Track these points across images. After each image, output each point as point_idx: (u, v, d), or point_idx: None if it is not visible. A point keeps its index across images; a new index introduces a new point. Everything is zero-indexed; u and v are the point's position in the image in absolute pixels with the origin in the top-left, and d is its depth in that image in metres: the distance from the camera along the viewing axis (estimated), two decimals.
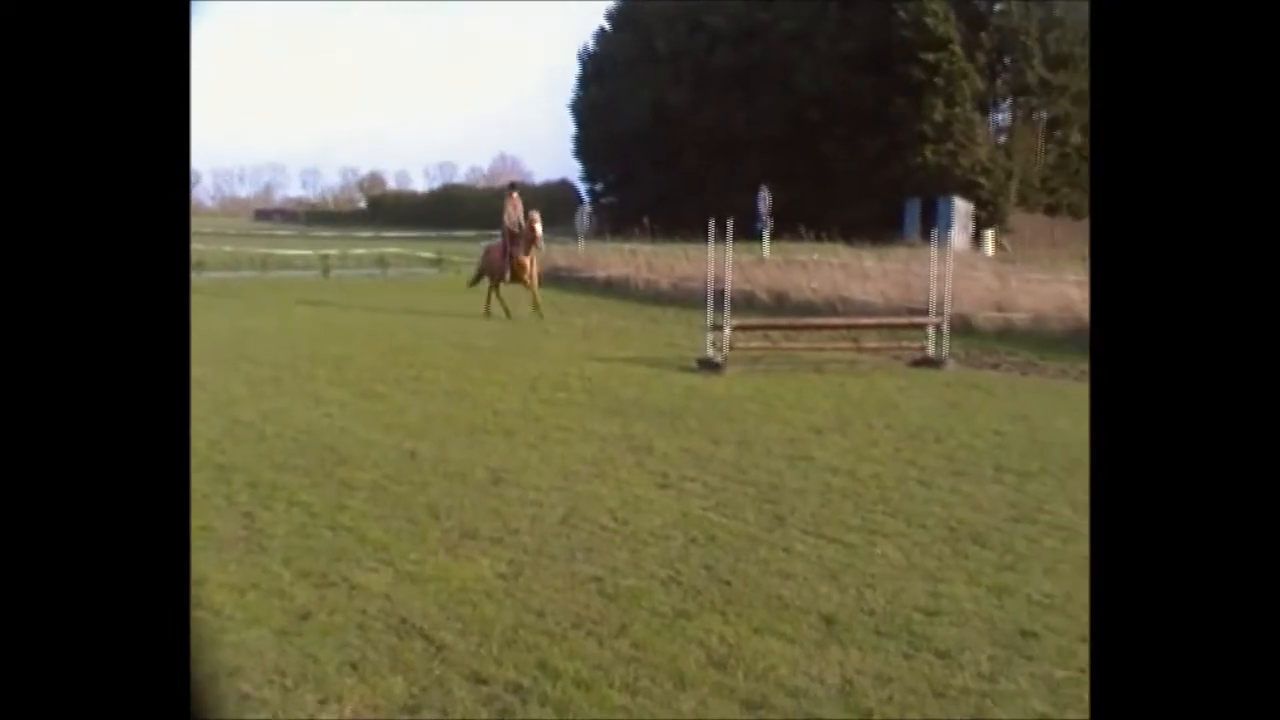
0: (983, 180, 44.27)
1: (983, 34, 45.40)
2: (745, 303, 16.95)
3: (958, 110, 45.01)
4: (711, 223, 12.85)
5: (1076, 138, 46.69)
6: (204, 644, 3.86)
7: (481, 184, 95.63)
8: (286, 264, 29.92)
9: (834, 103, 45.42)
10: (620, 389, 10.37)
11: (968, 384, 11.18)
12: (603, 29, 61.67)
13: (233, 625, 4.28)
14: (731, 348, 12.13)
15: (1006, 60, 47.29)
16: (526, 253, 17.47)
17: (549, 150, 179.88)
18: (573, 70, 62.77)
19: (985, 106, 48.31)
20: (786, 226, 28.21)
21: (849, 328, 13.98)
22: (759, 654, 4.06)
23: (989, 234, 39.04)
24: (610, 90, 56.96)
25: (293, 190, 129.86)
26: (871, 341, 13.46)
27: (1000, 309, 15.58)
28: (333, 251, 31.07)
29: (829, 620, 4.42)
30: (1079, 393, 10.73)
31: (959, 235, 33.54)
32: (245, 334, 14.12)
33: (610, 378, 11.10)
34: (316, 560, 5.11)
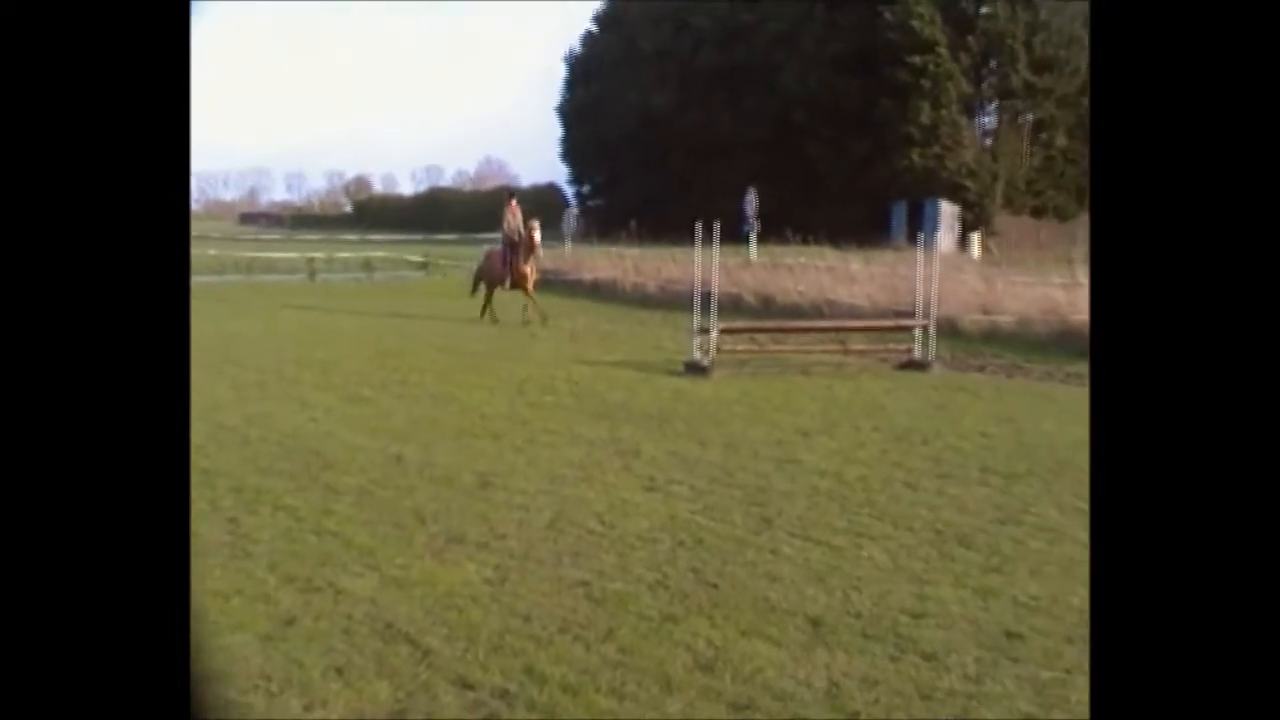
0: (969, 183, 44.40)
1: (969, 37, 45.51)
2: (732, 305, 16.97)
3: (944, 113, 45.13)
4: (698, 225, 12.86)
5: (1062, 140, 46.85)
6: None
7: (468, 187, 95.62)
8: (271, 268, 29.82)
9: (820, 105, 45.51)
10: (607, 392, 10.37)
11: (954, 386, 11.21)
12: (589, 31, 61.72)
13: (217, 631, 4.25)
14: (718, 350, 12.14)
15: (992, 63, 47.41)
16: (526, 261, 17.42)
17: (536, 153, 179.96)
18: (559, 73, 62.92)
19: (971, 109, 48.45)
20: (773, 229, 28.27)
21: (836, 330, 13.99)
22: (746, 657, 4.06)
23: (975, 236, 39.09)
24: (597, 93, 56.99)
25: (278, 194, 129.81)
26: (858, 344, 13.47)
27: (986, 311, 15.62)
28: (318, 255, 30.97)
29: (816, 623, 4.42)
30: (1065, 395, 10.77)
31: (945, 238, 33.63)
32: (230, 338, 14.07)
33: (597, 381, 11.09)
34: (302, 565, 5.09)
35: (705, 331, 12.15)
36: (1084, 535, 5.68)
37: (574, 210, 40.38)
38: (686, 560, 5.25)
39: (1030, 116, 47.68)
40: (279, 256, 31.49)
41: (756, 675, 3.90)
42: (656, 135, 51.50)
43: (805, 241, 26.92)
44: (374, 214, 79.36)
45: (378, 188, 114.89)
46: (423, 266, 30.62)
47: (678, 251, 21.47)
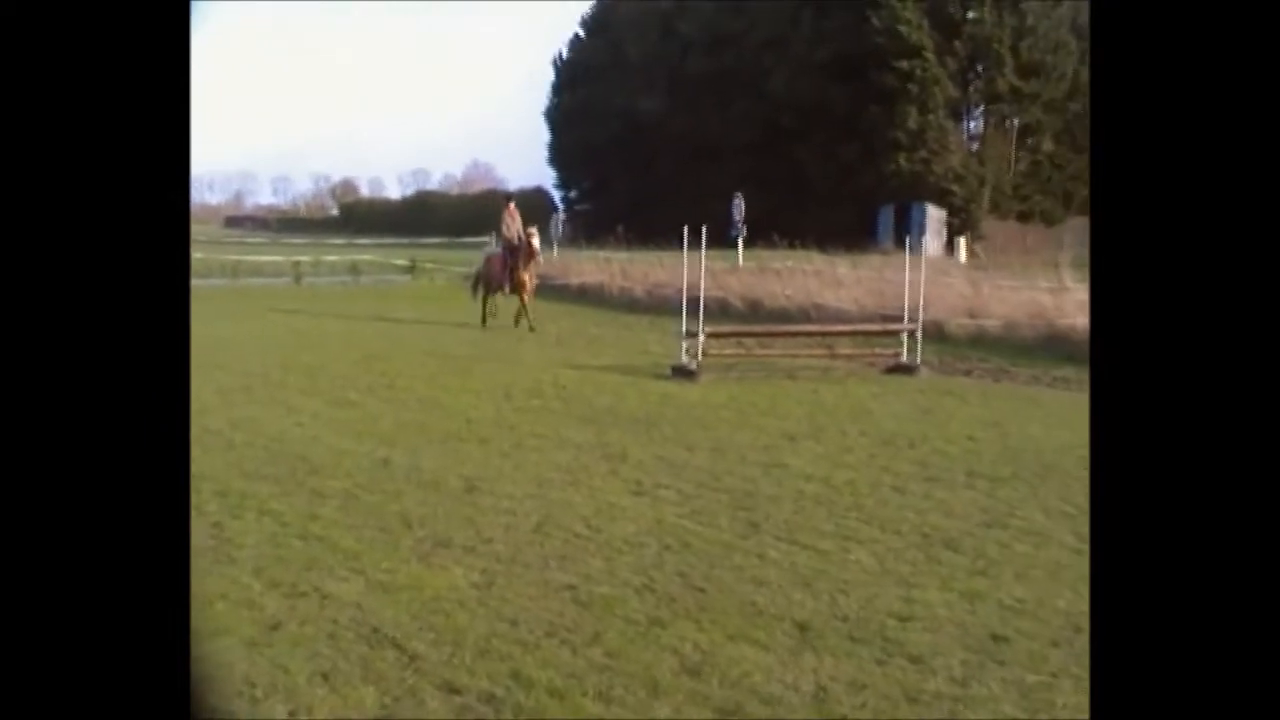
0: (956, 187, 44.53)
1: (956, 42, 45.68)
2: (720, 310, 17.00)
3: (931, 118, 45.26)
4: (686, 230, 12.86)
5: (1048, 145, 47.09)
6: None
7: (455, 191, 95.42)
8: (258, 271, 29.71)
9: (808, 110, 45.57)
10: (594, 397, 10.36)
11: (941, 390, 11.23)
12: (577, 35, 61.71)
13: (201, 636, 4.23)
14: (706, 355, 12.14)
15: (979, 68, 47.60)
16: (525, 268, 17.25)
17: (523, 158, 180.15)
18: (547, 77, 62.84)
19: (958, 114, 48.63)
20: (761, 234, 28.33)
21: (823, 334, 14.02)
22: (733, 661, 4.05)
23: (962, 241, 39.24)
24: (584, 97, 56.98)
25: (264, 197, 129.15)
26: (845, 348, 13.49)
27: (973, 315, 15.67)
28: (304, 259, 30.87)
29: (803, 627, 4.42)
30: (1051, 399, 10.81)
31: (932, 242, 33.66)
32: (215, 342, 14.00)
33: (584, 385, 11.08)
34: (287, 570, 5.07)
35: (693, 336, 12.16)
36: (1069, 539, 5.71)
37: (561, 214, 40.36)
38: (673, 564, 5.24)
39: (1017, 121, 47.93)
40: (265, 260, 31.38)
41: (744, 679, 3.90)
42: (644, 140, 51.53)
43: (792, 246, 27.00)
44: (360, 217, 79.14)
45: (364, 191, 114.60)
46: (409, 270, 30.58)
47: (665, 256, 21.47)
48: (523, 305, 17.16)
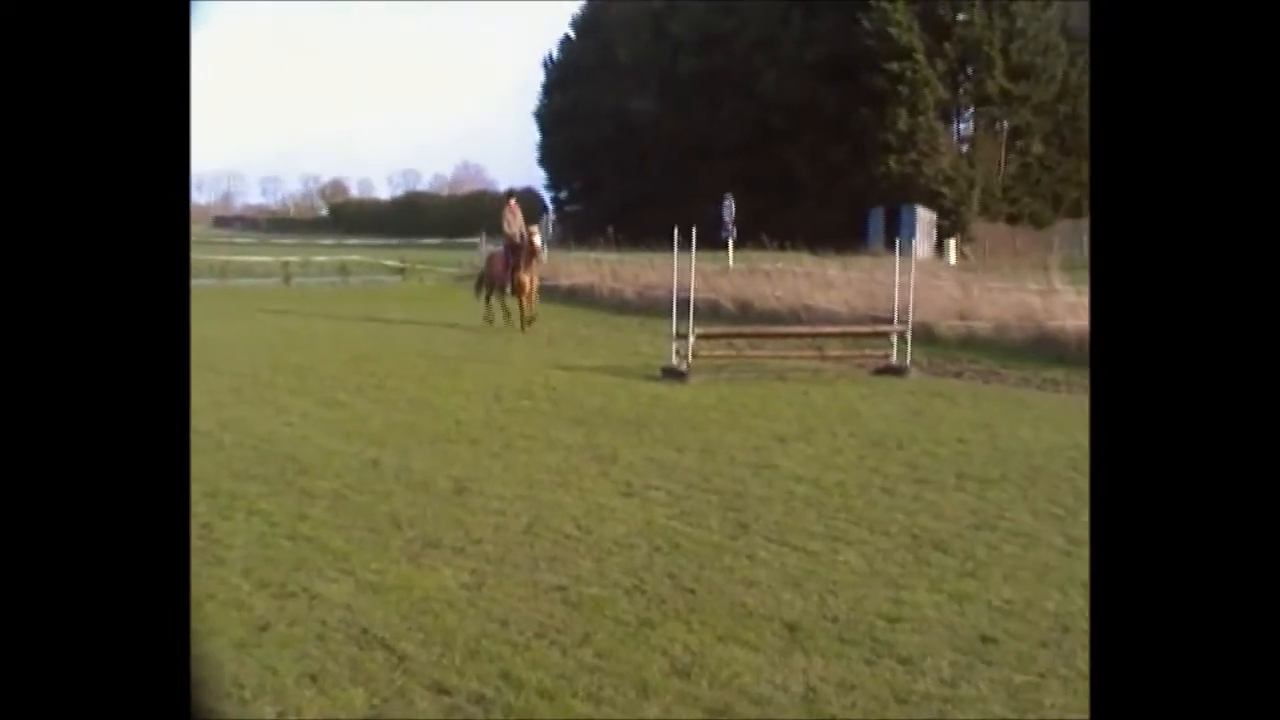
0: (945, 189, 44.57)
1: (946, 44, 45.69)
2: (710, 311, 16.97)
3: (921, 119, 45.29)
4: (676, 231, 12.86)
5: (1038, 147, 47.14)
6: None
7: (445, 192, 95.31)
8: (247, 271, 29.64)
9: (798, 111, 45.57)
10: (585, 397, 10.36)
11: (930, 392, 11.25)
12: (567, 36, 61.65)
13: (198, 637, 4.21)
14: (696, 356, 12.14)
15: (969, 70, 47.67)
16: (527, 268, 16.76)
17: (513, 158, 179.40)
18: (537, 78, 62.73)
19: (948, 116, 48.65)
20: (751, 235, 28.30)
21: (813, 336, 14.04)
22: (723, 662, 4.06)
23: (952, 243, 39.26)
24: (574, 98, 56.89)
25: (253, 198, 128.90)
26: (835, 350, 13.51)
27: (963, 317, 15.69)
28: (294, 259, 30.80)
29: (792, 628, 4.42)
30: (1040, 401, 10.85)
31: (922, 244, 33.73)
32: (204, 342, 13.93)
33: (575, 386, 11.08)
34: (276, 570, 5.06)
35: (683, 337, 12.15)
36: (1058, 540, 5.72)
37: (551, 215, 40.32)
38: (663, 565, 5.25)
39: (1006, 123, 47.96)
40: (254, 260, 31.29)
41: (733, 680, 3.90)
42: (634, 141, 51.48)
43: (783, 247, 26.98)
44: (350, 218, 79.00)
45: (354, 192, 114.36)
46: (399, 271, 30.53)
47: (655, 257, 21.50)
48: (520, 306, 16.89)
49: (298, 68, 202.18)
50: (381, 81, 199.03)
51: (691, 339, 12.16)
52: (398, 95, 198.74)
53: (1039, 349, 13.86)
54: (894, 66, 44.27)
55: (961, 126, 49.89)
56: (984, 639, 4.33)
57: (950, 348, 14.59)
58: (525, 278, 16.75)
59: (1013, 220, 46.37)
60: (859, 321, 15.12)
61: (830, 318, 16.18)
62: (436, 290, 26.14)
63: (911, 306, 13.01)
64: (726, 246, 27.05)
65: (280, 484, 6.72)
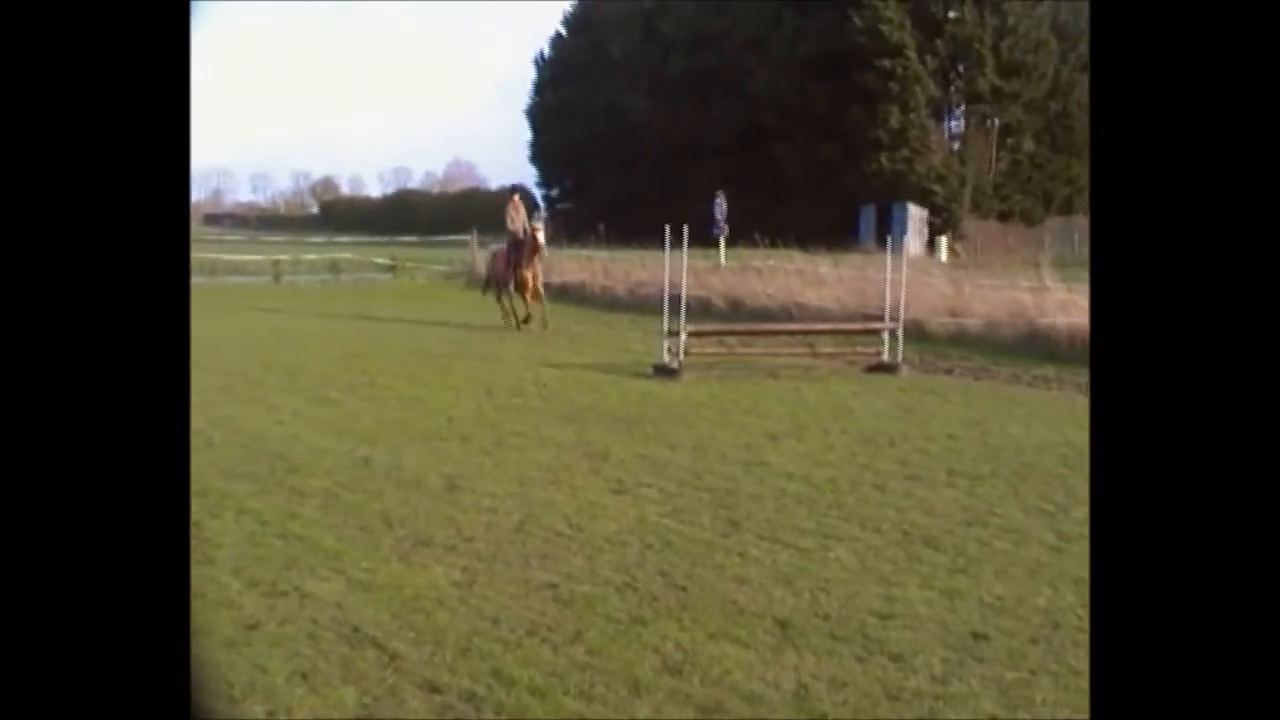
0: (937, 187, 44.64)
1: (937, 41, 45.75)
2: (701, 309, 16.99)
3: (912, 117, 45.34)
4: (667, 229, 12.85)
5: (1029, 145, 47.24)
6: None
7: (436, 189, 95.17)
8: (237, 269, 29.54)
9: (789, 109, 45.60)
10: (576, 395, 10.35)
11: (922, 389, 11.26)
12: (559, 34, 61.58)
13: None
14: (687, 353, 12.13)
15: (960, 67, 47.73)
16: (529, 264, 16.49)
17: (504, 156, 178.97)
18: (529, 75, 62.68)
19: (939, 113, 48.72)
20: (742, 233, 28.31)
21: (804, 333, 14.03)
22: (714, 659, 4.05)
23: (943, 240, 39.40)
24: (565, 96, 56.85)
25: (243, 195, 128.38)
26: (827, 347, 13.51)
27: (954, 315, 15.72)
28: (284, 257, 30.72)
29: (784, 625, 4.42)
30: (1031, 398, 10.87)
31: (913, 241, 33.77)
32: (194, 340, 13.81)
33: (566, 384, 11.07)
34: (266, 569, 5.04)
35: (674, 334, 12.15)
36: (1049, 536, 5.74)
37: (543, 213, 40.20)
38: (655, 563, 5.24)
39: (998, 121, 48.05)
40: (244, 258, 31.19)
41: (725, 677, 3.90)
42: (626, 139, 51.45)
43: (774, 245, 26.97)
44: (341, 216, 78.88)
45: (345, 189, 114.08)
46: (390, 269, 30.46)
47: (646, 255, 21.46)
48: (524, 304, 16.71)
49: (289, 65, 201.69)
50: (373, 79, 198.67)
51: (683, 336, 12.16)
52: (389, 93, 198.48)
53: (1030, 346, 13.89)
54: (885, 64, 44.30)
55: (953, 124, 49.96)
56: (975, 635, 4.34)
57: (941, 345, 14.60)
58: (528, 274, 16.54)
59: (1004, 218, 46.46)
60: (850, 319, 15.11)
61: (822, 315, 16.18)
62: (427, 288, 26.12)
63: (903, 304, 13.02)
64: (718, 244, 27.06)
65: (270, 482, 6.70)
